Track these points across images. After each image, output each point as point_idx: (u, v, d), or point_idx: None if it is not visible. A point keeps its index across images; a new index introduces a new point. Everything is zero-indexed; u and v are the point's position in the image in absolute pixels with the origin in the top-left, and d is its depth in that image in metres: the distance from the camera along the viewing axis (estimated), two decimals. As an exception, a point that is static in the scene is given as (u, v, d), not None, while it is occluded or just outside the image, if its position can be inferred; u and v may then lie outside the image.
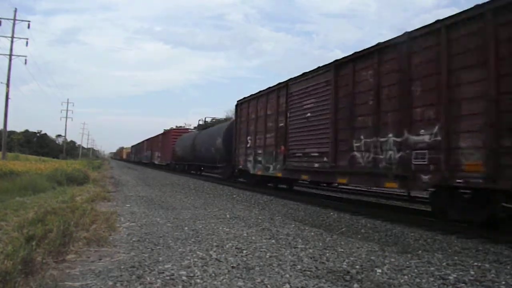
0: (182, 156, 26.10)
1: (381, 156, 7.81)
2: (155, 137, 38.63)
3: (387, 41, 7.94)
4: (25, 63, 33.16)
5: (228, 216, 7.25)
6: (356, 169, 8.50)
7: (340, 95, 9.18)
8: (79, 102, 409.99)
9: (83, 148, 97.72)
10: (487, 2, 5.99)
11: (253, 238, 5.24)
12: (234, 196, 11.85)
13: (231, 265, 3.86)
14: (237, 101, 16.07)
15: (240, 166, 15.20)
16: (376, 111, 7.97)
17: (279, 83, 12.35)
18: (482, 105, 5.95)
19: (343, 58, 9.23)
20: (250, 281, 3.38)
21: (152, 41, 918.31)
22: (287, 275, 3.56)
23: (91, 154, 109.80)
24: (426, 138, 6.82)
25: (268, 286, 3.28)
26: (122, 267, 3.69)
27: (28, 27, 38.83)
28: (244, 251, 4.44)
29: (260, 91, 13.83)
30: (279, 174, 11.97)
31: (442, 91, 6.56)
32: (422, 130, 6.92)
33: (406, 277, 3.68)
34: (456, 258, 4.60)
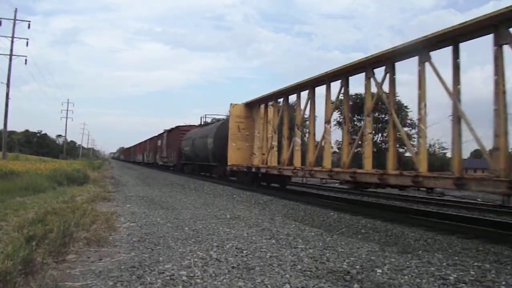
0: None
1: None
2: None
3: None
4: (25, 63, 33.10)
5: (228, 216, 7.25)
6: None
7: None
8: (79, 102, 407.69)
9: (83, 148, 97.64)
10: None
11: (253, 238, 5.24)
12: (234, 196, 11.85)
13: (231, 265, 3.85)
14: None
15: None
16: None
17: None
18: None
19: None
20: (250, 281, 3.38)
21: (152, 42, 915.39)
22: (287, 275, 3.56)
23: (91, 154, 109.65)
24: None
25: (269, 286, 3.28)
26: (123, 267, 3.69)
27: (29, 27, 38.47)
28: (244, 251, 4.43)
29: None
30: None
31: None
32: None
33: (406, 277, 3.67)
34: (456, 258, 4.59)
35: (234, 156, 15.70)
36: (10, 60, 30.81)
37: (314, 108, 11.37)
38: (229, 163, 15.75)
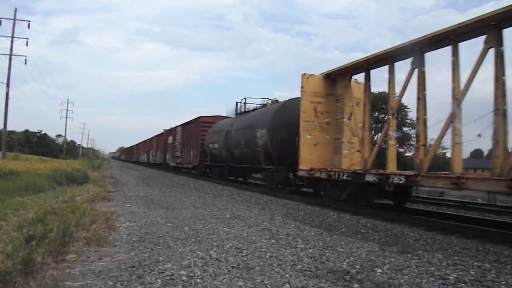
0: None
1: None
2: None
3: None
4: (25, 63, 33.01)
5: (228, 216, 7.25)
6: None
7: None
8: (79, 102, 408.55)
9: (83, 148, 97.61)
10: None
11: (253, 238, 5.24)
12: (234, 196, 11.86)
13: (231, 265, 3.85)
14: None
15: None
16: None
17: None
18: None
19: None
20: (250, 281, 3.38)
21: (151, 42, 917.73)
22: (287, 275, 3.56)
23: (91, 154, 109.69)
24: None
25: (268, 286, 3.28)
26: (122, 267, 3.69)
27: (28, 27, 38.58)
28: (244, 251, 4.43)
29: None
30: None
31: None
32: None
33: (406, 277, 3.67)
34: (456, 258, 4.60)
35: (310, 156, 10.40)
36: (10, 60, 30.79)
37: (503, 68, 6.27)
38: (301, 167, 10.38)
